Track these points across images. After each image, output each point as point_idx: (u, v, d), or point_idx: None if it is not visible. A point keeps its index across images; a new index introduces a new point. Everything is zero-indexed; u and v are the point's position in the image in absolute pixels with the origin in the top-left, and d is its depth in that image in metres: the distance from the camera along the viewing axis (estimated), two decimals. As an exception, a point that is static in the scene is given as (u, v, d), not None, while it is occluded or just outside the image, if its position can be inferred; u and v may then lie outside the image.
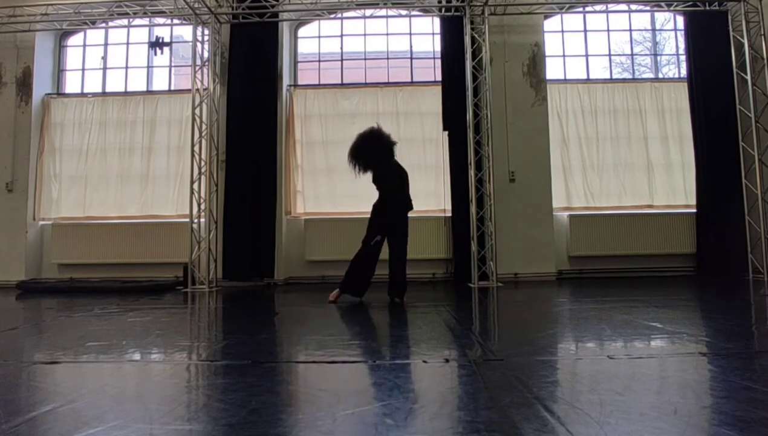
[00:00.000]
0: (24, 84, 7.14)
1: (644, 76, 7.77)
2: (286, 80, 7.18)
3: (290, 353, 2.81)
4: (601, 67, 7.55)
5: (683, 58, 7.23)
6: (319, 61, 7.60)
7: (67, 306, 4.74)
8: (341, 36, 7.57)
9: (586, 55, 7.43)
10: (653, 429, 1.46)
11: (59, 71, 7.59)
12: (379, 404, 1.72)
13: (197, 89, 6.46)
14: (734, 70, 6.59)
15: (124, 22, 7.20)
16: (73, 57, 7.74)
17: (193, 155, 6.36)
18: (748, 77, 6.41)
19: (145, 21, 7.22)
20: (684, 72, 7.20)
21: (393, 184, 4.60)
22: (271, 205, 6.76)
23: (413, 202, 4.74)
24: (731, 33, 6.65)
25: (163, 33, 7.35)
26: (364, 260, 4.60)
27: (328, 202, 7.05)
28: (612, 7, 7.02)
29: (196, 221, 6.34)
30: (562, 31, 7.45)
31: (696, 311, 4.13)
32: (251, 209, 6.75)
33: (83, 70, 7.70)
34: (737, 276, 6.32)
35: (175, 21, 7.21)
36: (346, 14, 7.37)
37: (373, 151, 4.59)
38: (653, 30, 7.89)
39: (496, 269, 6.16)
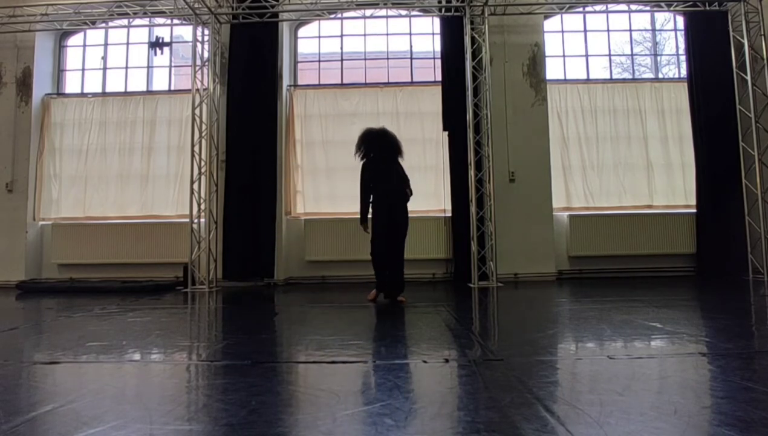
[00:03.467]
0: (24, 84, 7.13)
1: (644, 76, 7.77)
2: (286, 80, 7.18)
3: (290, 353, 2.81)
4: (601, 67, 7.55)
5: (683, 58, 7.23)
6: (319, 61, 7.59)
7: (67, 306, 4.74)
8: (341, 36, 7.57)
9: (586, 55, 7.42)
10: (653, 429, 1.46)
11: (59, 71, 7.59)
12: (379, 404, 1.72)
13: (197, 89, 6.46)
14: (734, 70, 6.59)
15: (124, 22, 7.19)
16: (73, 57, 7.73)
17: (193, 155, 6.36)
18: (748, 77, 6.41)
19: (145, 21, 7.22)
20: (684, 72, 7.20)
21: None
22: (271, 206, 6.76)
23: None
24: (731, 33, 6.64)
25: (163, 33, 7.35)
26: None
27: (328, 203, 7.04)
28: (612, 7, 7.02)
29: (196, 221, 6.34)
30: (562, 31, 7.44)
31: (696, 311, 4.13)
32: (251, 209, 6.75)
33: (83, 70, 7.69)
34: (737, 276, 6.31)
35: (175, 21, 7.21)
36: (346, 14, 7.37)
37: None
38: (653, 30, 7.88)
39: (496, 269, 6.15)
